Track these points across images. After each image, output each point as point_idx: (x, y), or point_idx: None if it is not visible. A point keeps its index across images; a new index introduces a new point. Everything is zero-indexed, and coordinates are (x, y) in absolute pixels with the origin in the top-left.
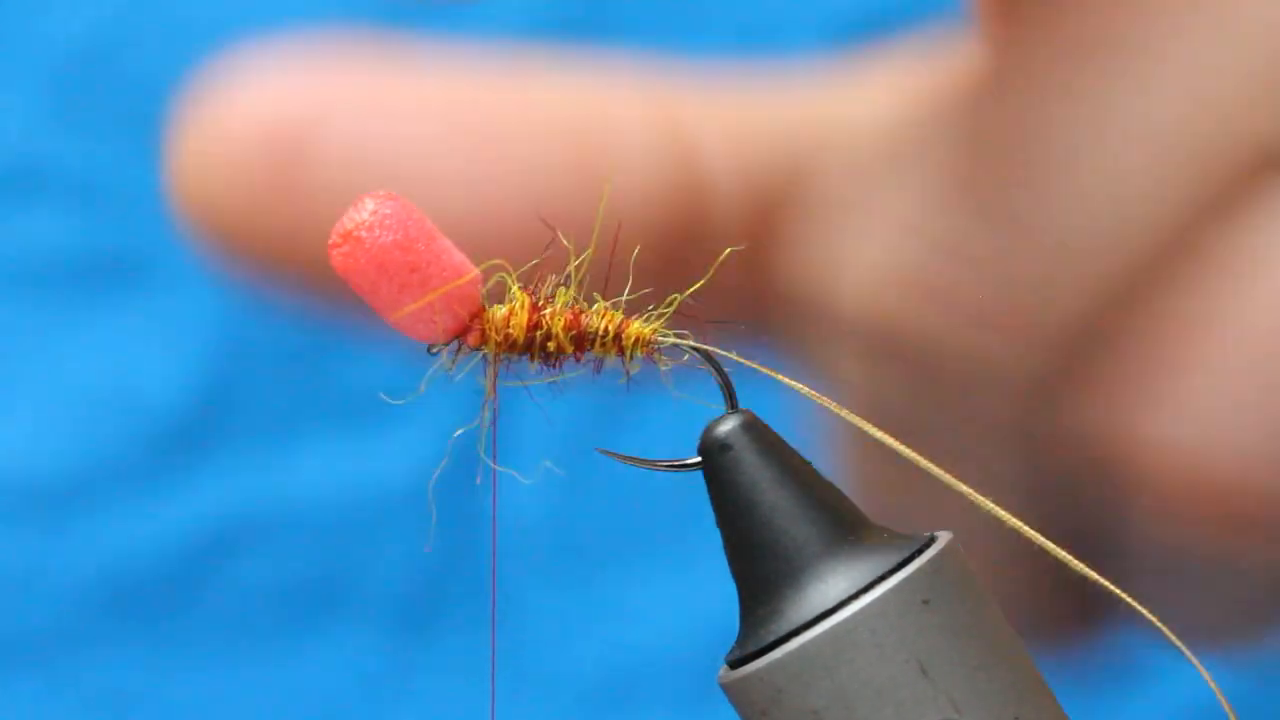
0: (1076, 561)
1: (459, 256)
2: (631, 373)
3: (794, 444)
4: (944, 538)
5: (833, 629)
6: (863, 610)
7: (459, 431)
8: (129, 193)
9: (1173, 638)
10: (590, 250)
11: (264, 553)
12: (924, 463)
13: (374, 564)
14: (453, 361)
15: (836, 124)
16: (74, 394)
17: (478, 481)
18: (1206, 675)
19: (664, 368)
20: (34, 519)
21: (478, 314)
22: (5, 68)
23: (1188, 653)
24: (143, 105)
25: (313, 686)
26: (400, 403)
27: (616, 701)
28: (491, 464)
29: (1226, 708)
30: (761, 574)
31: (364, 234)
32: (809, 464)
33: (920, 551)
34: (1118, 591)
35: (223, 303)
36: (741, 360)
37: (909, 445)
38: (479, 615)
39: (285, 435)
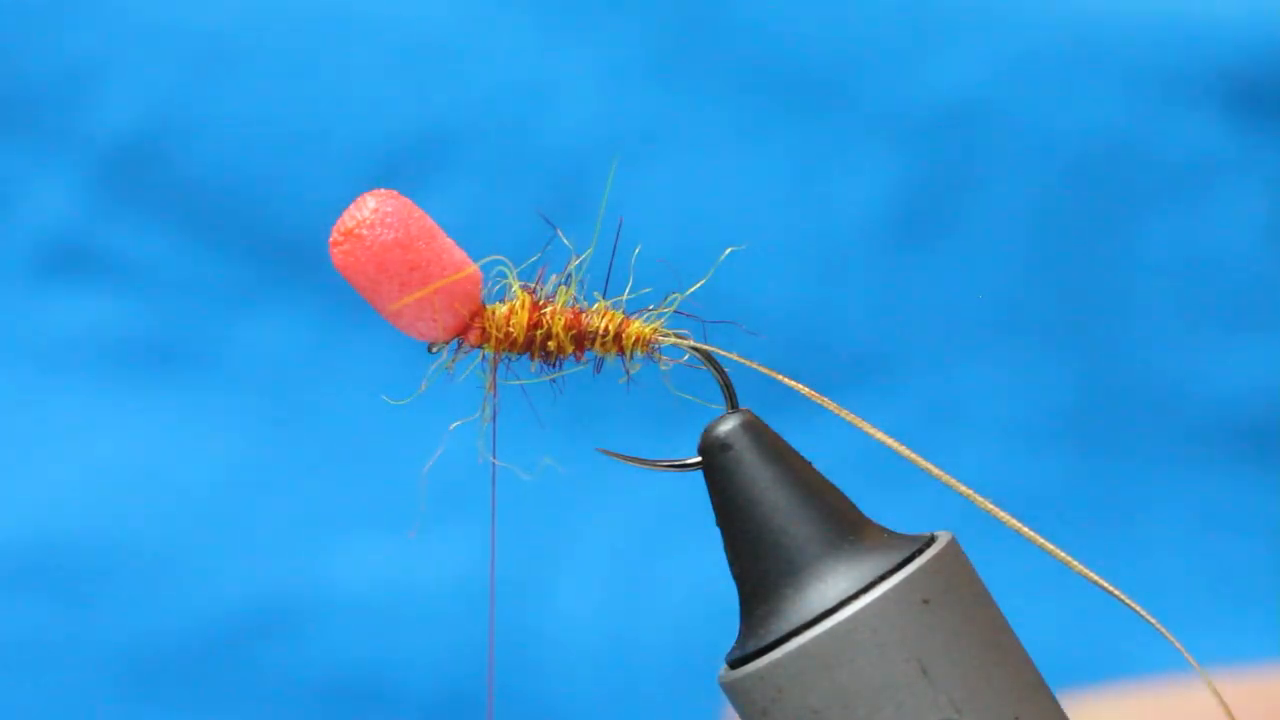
0: (1076, 563)
1: (460, 255)
2: (631, 372)
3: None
4: (944, 538)
5: (833, 629)
6: (863, 610)
7: (455, 424)
8: (175, 280)
9: (1171, 638)
10: (590, 249)
11: (296, 642)
12: (923, 463)
13: (409, 659)
14: (453, 360)
15: None
16: (107, 472)
17: (480, 461)
18: (1205, 675)
19: (664, 367)
20: (65, 593)
21: (478, 312)
22: (55, 148)
23: (1186, 653)
24: (191, 193)
25: None
26: (402, 403)
27: None
28: (492, 459)
29: (1225, 709)
30: (761, 574)
31: (365, 232)
32: (809, 464)
33: (920, 551)
34: (1118, 594)
35: (266, 392)
36: (742, 360)
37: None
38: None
39: (321, 526)
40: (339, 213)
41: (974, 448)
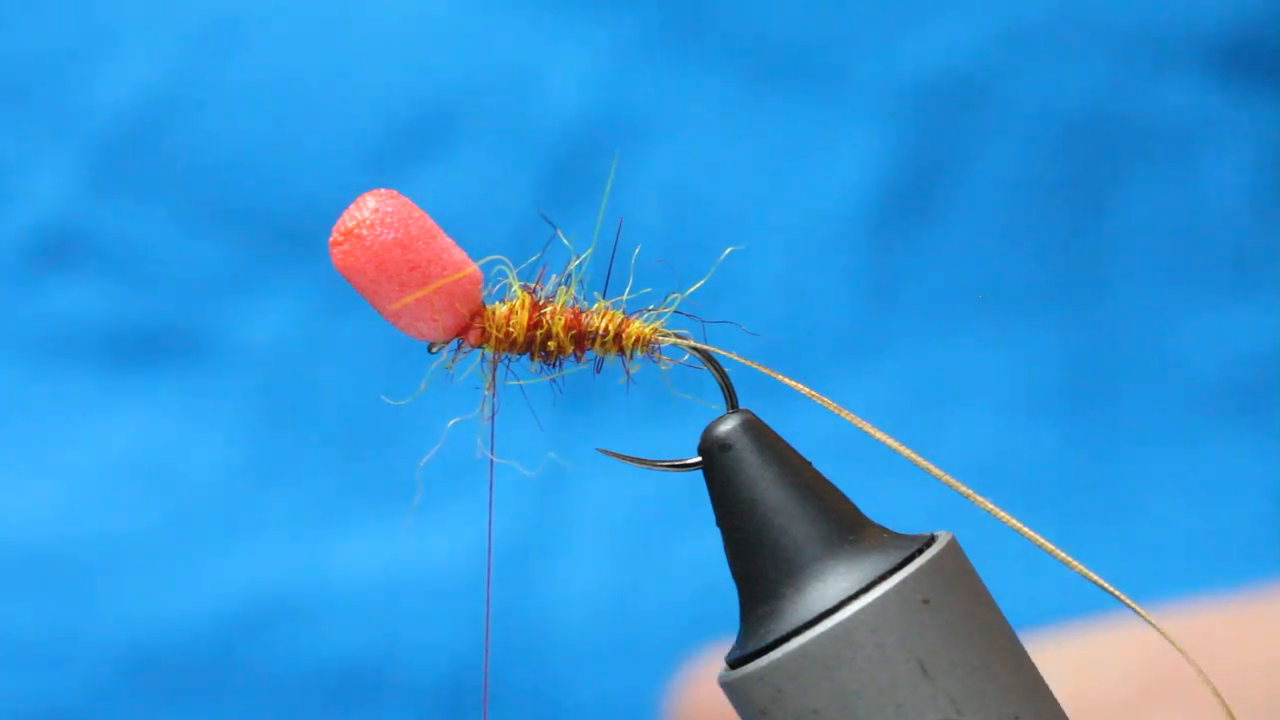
0: (1074, 561)
1: (460, 255)
2: (631, 372)
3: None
4: (944, 537)
5: (833, 629)
6: (863, 610)
7: (453, 421)
8: (172, 267)
9: (1167, 635)
10: (590, 249)
11: (299, 635)
12: (923, 463)
13: (413, 651)
14: (453, 360)
15: None
16: (107, 465)
17: (478, 455)
18: (1204, 675)
19: (664, 367)
20: (63, 589)
21: (478, 312)
22: (49, 134)
23: (1183, 651)
24: (185, 177)
25: None
26: (401, 403)
27: None
28: (490, 455)
29: (1224, 707)
30: (761, 574)
31: (364, 232)
32: (809, 464)
33: (920, 551)
34: (1113, 591)
35: (264, 381)
36: (742, 360)
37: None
38: (523, 706)
39: (325, 516)
40: (335, 196)
41: (964, 421)
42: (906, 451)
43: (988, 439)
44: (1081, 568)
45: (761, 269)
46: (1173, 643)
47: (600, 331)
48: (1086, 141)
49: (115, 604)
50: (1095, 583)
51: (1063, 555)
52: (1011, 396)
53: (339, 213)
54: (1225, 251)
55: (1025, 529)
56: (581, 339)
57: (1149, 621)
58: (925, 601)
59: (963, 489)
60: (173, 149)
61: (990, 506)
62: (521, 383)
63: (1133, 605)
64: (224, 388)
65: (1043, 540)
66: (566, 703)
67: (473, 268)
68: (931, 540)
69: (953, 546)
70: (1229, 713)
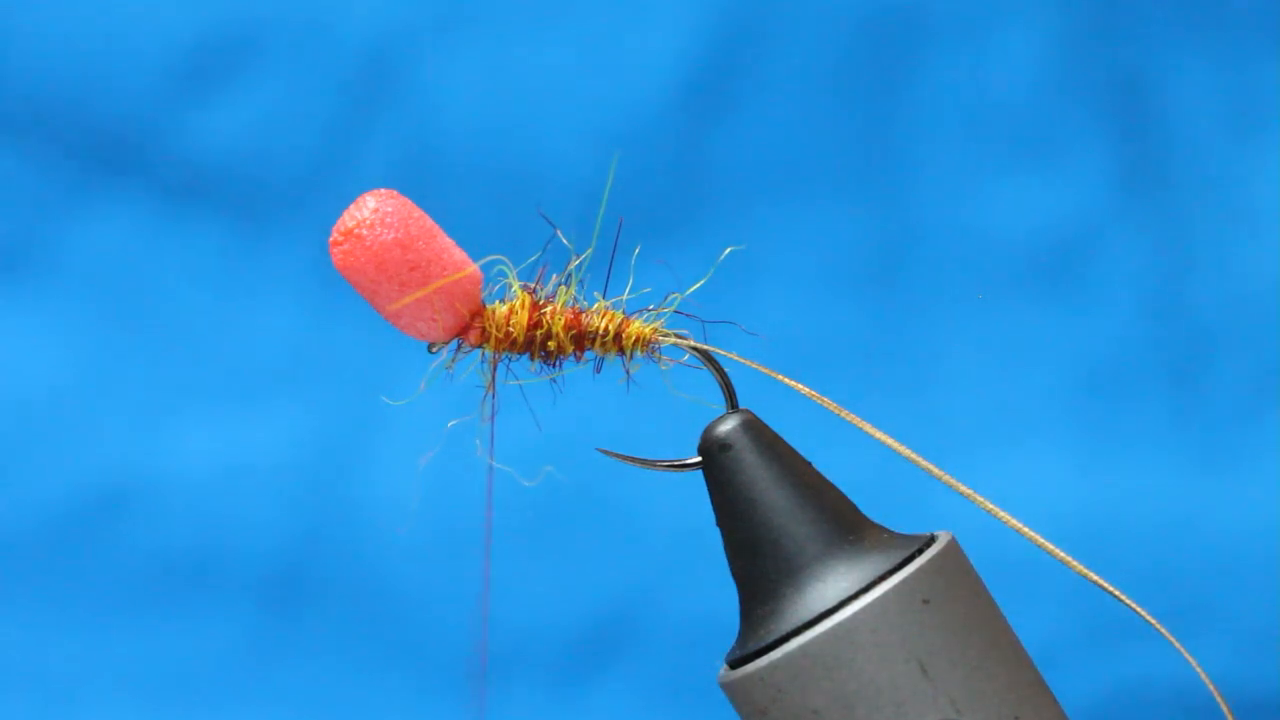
0: (1081, 566)
1: (460, 255)
2: (631, 372)
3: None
4: (944, 538)
5: (833, 629)
6: (863, 610)
7: (452, 423)
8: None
9: (1177, 643)
10: (591, 249)
11: (140, 523)
12: (923, 463)
13: (248, 538)
14: (452, 360)
15: None
16: None
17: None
18: (1209, 682)
19: (664, 367)
20: None
21: (478, 312)
22: None
23: (1192, 660)
24: (5, 94)
25: (183, 656)
26: (400, 403)
27: (486, 681)
28: (489, 460)
29: (1225, 709)
30: (761, 574)
31: (364, 232)
32: (809, 464)
33: (920, 551)
34: (1122, 598)
35: (94, 287)
36: (742, 360)
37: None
38: (345, 592)
39: (162, 410)
40: (149, 111)
41: (776, 296)
42: (906, 451)
43: (797, 313)
44: (1085, 570)
45: (572, 155)
46: (1173, 641)
47: (600, 331)
48: (882, 22)
49: None
50: (1101, 586)
51: (1064, 556)
52: (815, 273)
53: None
54: (1018, 127)
55: (1027, 530)
56: (581, 339)
57: (1156, 626)
58: (925, 601)
59: (963, 489)
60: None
61: (992, 508)
62: (521, 383)
63: (1141, 611)
64: (53, 299)
65: (1047, 543)
66: (389, 591)
67: (473, 268)
68: (932, 540)
69: (953, 546)
70: (1228, 712)
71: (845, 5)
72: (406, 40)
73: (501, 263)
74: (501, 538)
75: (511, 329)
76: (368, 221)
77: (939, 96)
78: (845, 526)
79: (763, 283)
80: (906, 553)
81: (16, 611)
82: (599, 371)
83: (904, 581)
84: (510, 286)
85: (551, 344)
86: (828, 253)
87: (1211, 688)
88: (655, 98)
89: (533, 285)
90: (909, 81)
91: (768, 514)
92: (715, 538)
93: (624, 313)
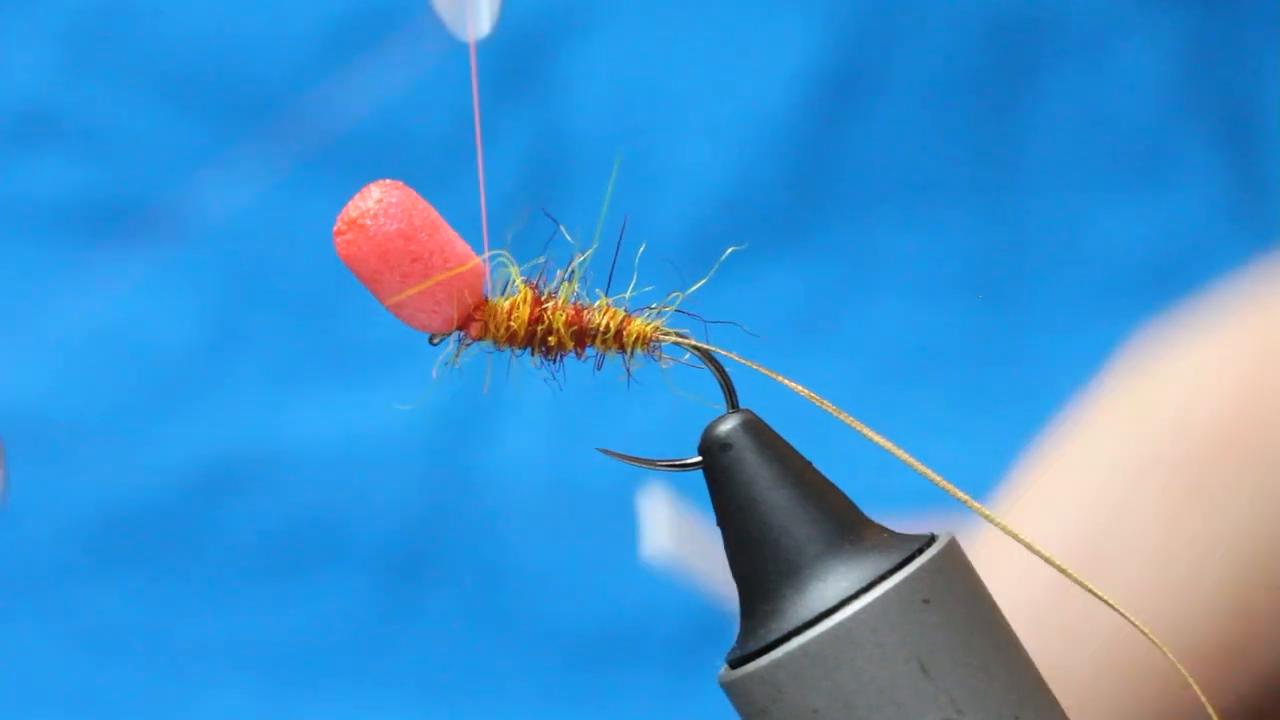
0: (1075, 575)
1: (463, 247)
2: (632, 370)
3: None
4: (944, 537)
5: (833, 628)
6: (863, 610)
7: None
8: (138, 143)
9: (1173, 659)
10: (594, 245)
11: (262, 496)
12: (922, 468)
13: (371, 510)
14: (455, 354)
15: None
16: (73, 336)
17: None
18: (1192, 682)
19: (665, 366)
20: (31, 456)
21: (480, 306)
22: (19, 13)
23: (1188, 675)
24: (152, 53)
25: (306, 630)
26: (407, 407)
27: (606, 660)
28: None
29: (1209, 710)
30: (761, 573)
31: (368, 222)
32: (809, 464)
33: (921, 551)
34: (1120, 610)
35: (227, 251)
36: (742, 360)
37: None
38: (472, 565)
39: (287, 380)
40: (295, 75)
41: (886, 302)
42: (905, 455)
43: (906, 319)
44: (1068, 570)
45: (696, 155)
46: (1150, 638)
47: (602, 329)
48: (1006, 37)
49: (80, 473)
50: (1084, 586)
51: (1042, 550)
52: (929, 282)
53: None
54: (1136, 146)
55: (1035, 546)
56: (582, 335)
57: (1148, 637)
58: (925, 601)
59: (962, 495)
60: (138, 26)
61: (990, 515)
62: (518, 381)
63: (1134, 621)
64: (187, 262)
65: (1060, 564)
66: (511, 568)
67: (476, 261)
68: (932, 540)
69: (953, 546)
70: (1211, 712)
71: (974, 14)
72: (544, 33)
73: (503, 257)
74: (626, 523)
75: (513, 323)
76: (371, 211)
77: (1060, 109)
78: (845, 526)
79: (874, 286)
80: (907, 552)
81: (139, 585)
82: (599, 369)
83: (904, 581)
84: (513, 281)
85: (552, 339)
86: (940, 261)
87: (1196, 689)
88: (781, 102)
89: (535, 280)
90: (1030, 91)
91: (768, 514)
92: None
93: (626, 310)
